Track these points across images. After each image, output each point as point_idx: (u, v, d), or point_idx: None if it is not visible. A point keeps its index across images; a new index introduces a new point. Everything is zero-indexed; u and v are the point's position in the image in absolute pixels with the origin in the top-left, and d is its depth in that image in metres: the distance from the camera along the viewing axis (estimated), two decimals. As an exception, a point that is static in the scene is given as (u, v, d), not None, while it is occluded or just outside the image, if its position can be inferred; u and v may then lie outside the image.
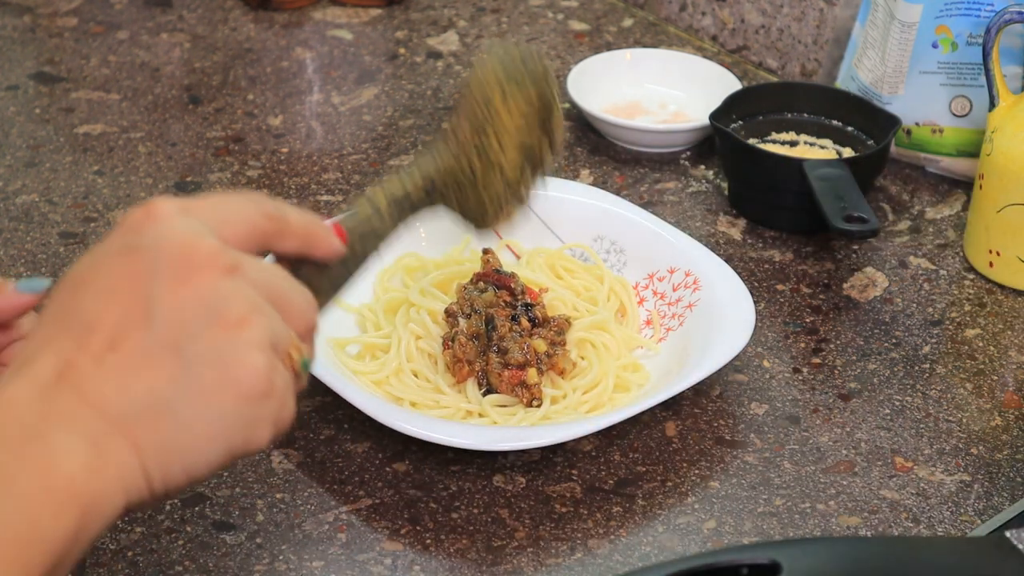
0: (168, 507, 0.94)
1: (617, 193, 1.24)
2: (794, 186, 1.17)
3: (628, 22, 1.50)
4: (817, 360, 1.08)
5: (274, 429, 0.67)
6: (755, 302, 1.13)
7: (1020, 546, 0.82)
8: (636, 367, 1.04)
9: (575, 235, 1.13)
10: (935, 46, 1.23)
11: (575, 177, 1.26)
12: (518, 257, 1.13)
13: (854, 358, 1.09)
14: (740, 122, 1.27)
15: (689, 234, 1.20)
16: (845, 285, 1.16)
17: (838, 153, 1.25)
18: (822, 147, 1.26)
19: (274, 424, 0.67)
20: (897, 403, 1.05)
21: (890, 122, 1.23)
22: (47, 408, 0.63)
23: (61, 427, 0.62)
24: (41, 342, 0.65)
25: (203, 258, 0.65)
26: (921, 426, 1.03)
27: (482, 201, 0.81)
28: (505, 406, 1.01)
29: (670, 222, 1.21)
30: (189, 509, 0.94)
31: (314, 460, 0.97)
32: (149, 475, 0.64)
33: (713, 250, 1.18)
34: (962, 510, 0.96)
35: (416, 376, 1.03)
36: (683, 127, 1.29)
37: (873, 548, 0.84)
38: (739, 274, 1.16)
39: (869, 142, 1.25)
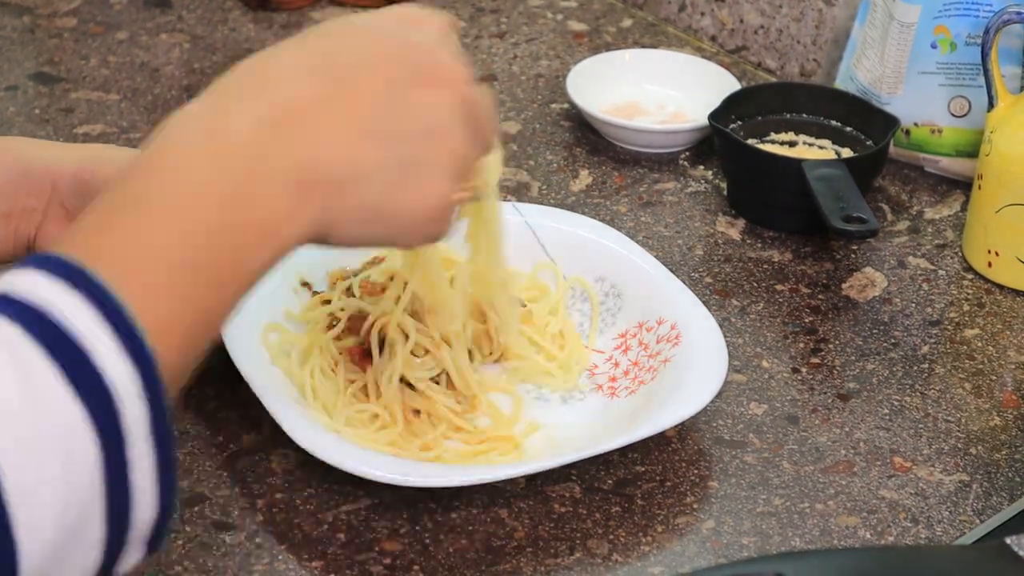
0: (167, 507, 0.94)
1: (616, 193, 1.25)
2: (793, 186, 1.17)
3: (627, 22, 1.50)
4: (816, 360, 1.08)
5: (426, 240, 0.79)
6: (754, 302, 1.13)
7: (1021, 553, 0.82)
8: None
9: (579, 271, 1.10)
10: (934, 46, 1.24)
11: (575, 177, 1.27)
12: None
13: (853, 358, 1.09)
14: (739, 122, 1.27)
15: (688, 235, 1.20)
16: (844, 285, 1.16)
17: (837, 153, 1.25)
18: (821, 147, 1.26)
19: (427, 236, 0.78)
20: (896, 403, 1.05)
21: (889, 122, 1.23)
22: (268, 146, 0.69)
23: (276, 173, 0.69)
24: (291, 63, 0.72)
25: (452, 78, 0.75)
26: (920, 426, 1.03)
27: None
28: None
29: (670, 223, 1.21)
30: (189, 509, 0.94)
31: (313, 460, 0.97)
32: (324, 233, 0.72)
33: (712, 250, 1.18)
34: (961, 510, 0.97)
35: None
36: (682, 127, 1.30)
37: (876, 558, 0.84)
38: (738, 274, 1.16)
39: (868, 142, 1.25)
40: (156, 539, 0.67)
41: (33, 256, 0.65)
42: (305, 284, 1.06)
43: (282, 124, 0.70)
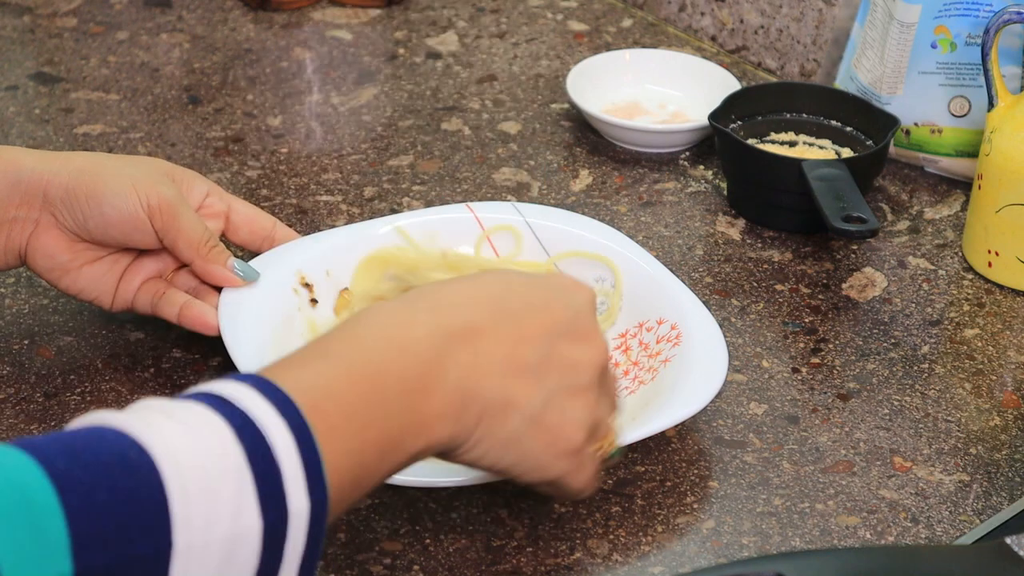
0: (167, 507, 0.94)
1: (616, 193, 1.25)
2: (793, 186, 1.18)
3: (627, 22, 1.50)
4: (816, 360, 1.08)
5: (552, 487, 0.85)
6: (754, 302, 1.13)
7: (1021, 552, 0.82)
8: None
9: (578, 273, 1.09)
10: (934, 46, 1.24)
11: (575, 177, 1.27)
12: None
13: (853, 358, 1.09)
14: (739, 122, 1.27)
15: (688, 235, 1.20)
16: (844, 285, 1.16)
17: (837, 153, 1.25)
18: (821, 147, 1.26)
19: (555, 481, 0.84)
20: (896, 403, 1.05)
21: (889, 122, 1.23)
22: (443, 355, 0.77)
23: (443, 376, 0.76)
24: (468, 296, 0.80)
25: (599, 344, 0.83)
26: (920, 426, 1.03)
27: None
28: None
29: (670, 223, 1.21)
30: (188, 509, 0.94)
31: (313, 460, 0.97)
32: (458, 446, 0.79)
33: (712, 250, 1.18)
34: (961, 510, 0.97)
35: None
36: (682, 127, 1.30)
37: (876, 558, 0.84)
38: (738, 274, 1.16)
39: (868, 142, 1.25)
40: None
41: (251, 376, 0.72)
42: (306, 285, 1.06)
43: (455, 339, 0.78)
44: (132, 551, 0.64)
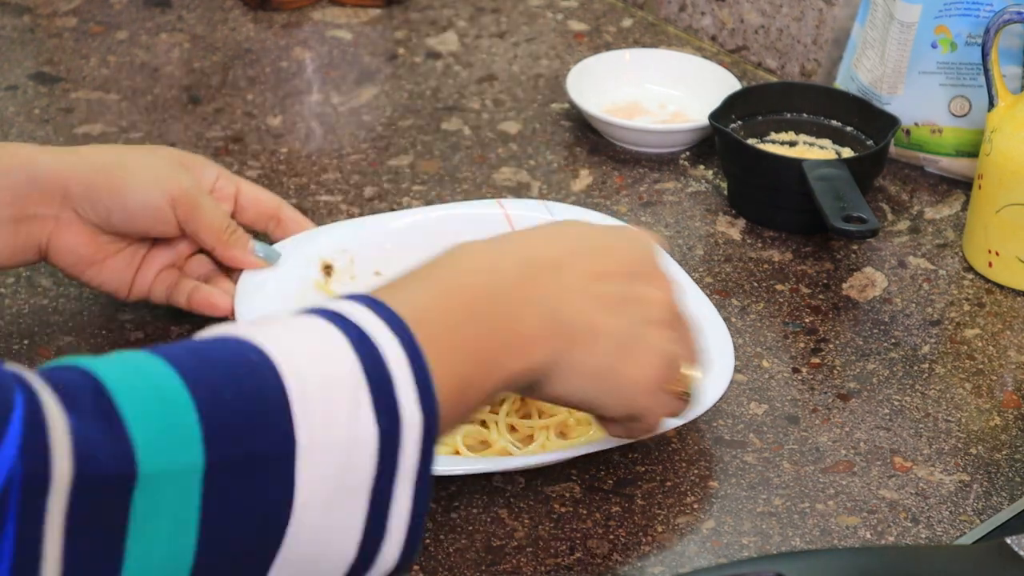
0: (167, 507, 0.94)
1: (616, 193, 1.25)
2: (793, 186, 1.18)
3: (627, 22, 1.50)
4: (816, 360, 1.08)
5: (625, 426, 0.89)
6: (754, 302, 1.13)
7: (1021, 552, 0.82)
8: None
9: None
10: (934, 46, 1.24)
11: (575, 177, 1.27)
12: None
13: (853, 358, 1.09)
14: (739, 122, 1.27)
15: (688, 235, 1.20)
16: (844, 285, 1.16)
17: (837, 153, 1.25)
18: (821, 147, 1.26)
19: (634, 416, 0.88)
20: (896, 403, 1.05)
21: (889, 122, 1.23)
22: (529, 279, 0.81)
23: (534, 302, 0.80)
24: (548, 236, 0.86)
25: (667, 285, 0.87)
26: (920, 426, 1.03)
27: None
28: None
29: (670, 223, 1.21)
30: (188, 509, 0.94)
31: (313, 460, 0.97)
32: (544, 377, 0.81)
33: (712, 250, 1.18)
34: (961, 510, 0.97)
35: None
36: (682, 127, 1.30)
37: (876, 558, 0.84)
38: (738, 274, 1.16)
39: (868, 142, 1.25)
40: None
41: (361, 296, 0.75)
42: (327, 267, 1.07)
43: (539, 268, 0.82)
44: (259, 447, 0.67)
